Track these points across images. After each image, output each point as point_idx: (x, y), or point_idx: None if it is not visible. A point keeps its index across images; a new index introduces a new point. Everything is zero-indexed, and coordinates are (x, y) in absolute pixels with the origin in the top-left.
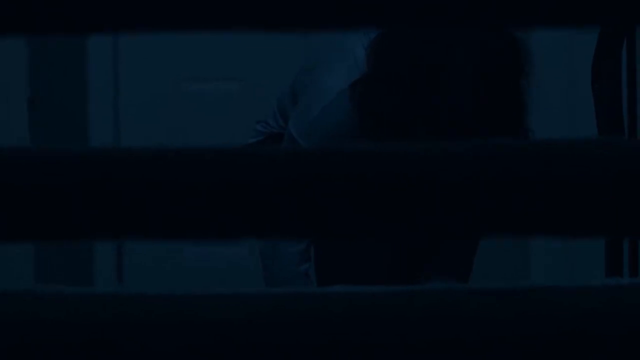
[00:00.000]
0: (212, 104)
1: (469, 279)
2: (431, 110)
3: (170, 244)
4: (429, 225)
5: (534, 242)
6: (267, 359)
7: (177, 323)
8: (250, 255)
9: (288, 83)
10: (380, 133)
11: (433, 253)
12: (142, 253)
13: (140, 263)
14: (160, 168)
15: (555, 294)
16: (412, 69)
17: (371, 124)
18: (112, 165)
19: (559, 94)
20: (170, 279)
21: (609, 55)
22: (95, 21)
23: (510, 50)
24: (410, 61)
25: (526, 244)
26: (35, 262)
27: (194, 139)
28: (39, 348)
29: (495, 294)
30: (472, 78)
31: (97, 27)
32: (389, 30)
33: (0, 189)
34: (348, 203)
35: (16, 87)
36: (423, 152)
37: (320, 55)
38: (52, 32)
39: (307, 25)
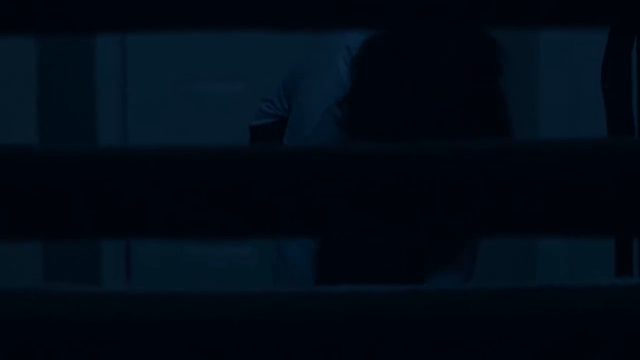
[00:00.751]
0: (217, 104)
1: (473, 270)
2: (414, 121)
3: (171, 242)
4: (430, 224)
5: (540, 243)
6: (271, 358)
7: (182, 321)
8: (255, 255)
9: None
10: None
11: (433, 249)
12: (151, 252)
13: (149, 262)
14: (159, 166)
15: (560, 293)
16: (392, 79)
17: (360, 140)
18: (114, 164)
19: (561, 94)
20: (177, 278)
21: (618, 55)
22: (100, 20)
23: (485, 50)
24: (390, 72)
25: (533, 244)
26: (44, 261)
27: (200, 138)
28: (45, 346)
29: (500, 293)
30: (451, 82)
31: (103, 26)
32: (369, 43)
33: (5, 187)
34: (348, 202)
35: (25, 87)
36: (424, 152)
37: (311, 63)
38: (58, 32)
39: (311, 25)
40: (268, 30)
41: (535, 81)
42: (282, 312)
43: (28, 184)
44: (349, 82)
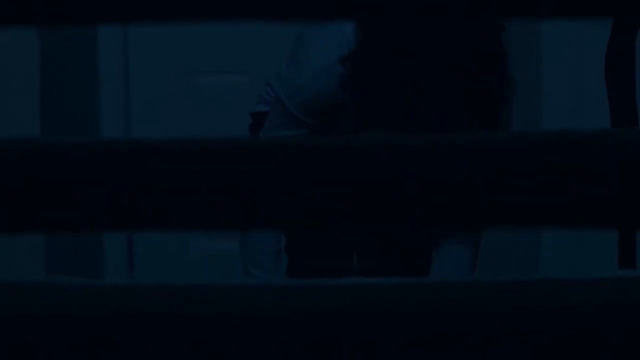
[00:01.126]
0: (221, 96)
1: (480, 239)
2: (416, 78)
3: (174, 236)
4: (430, 218)
5: (543, 235)
6: (275, 351)
7: (184, 314)
8: None
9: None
10: (370, 106)
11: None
12: (153, 246)
13: (151, 256)
14: (161, 159)
15: (562, 286)
16: (394, 39)
17: (361, 98)
18: (117, 156)
19: (564, 86)
20: (180, 272)
21: (622, 46)
22: (103, 12)
23: (484, 27)
24: (392, 32)
25: (537, 237)
26: (46, 254)
27: (203, 131)
28: (48, 339)
29: (501, 286)
30: (450, 46)
31: (105, 17)
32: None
33: (7, 179)
34: (348, 196)
35: (27, 80)
36: (425, 144)
37: (312, 30)
38: (60, 24)
39: (316, 16)
40: (272, 21)
41: (538, 73)
42: (285, 305)
43: (30, 177)
44: (354, 41)
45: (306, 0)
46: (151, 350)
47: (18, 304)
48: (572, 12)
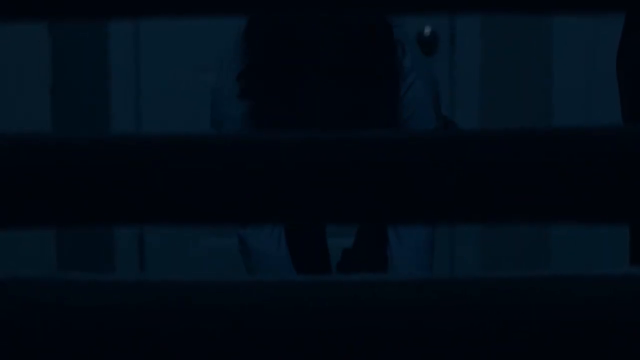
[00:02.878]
0: None
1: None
2: (302, 88)
3: (184, 234)
4: (435, 211)
5: (554, 231)
6: (283, 344)
7: (195, 309)
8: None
9: None
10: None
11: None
12: (164, 244)
13: (162, 254)
14: (172, 154)
15: (572, 282)
16: (276, 33)
17: (259, 108)
18: (127, 152)
19: (575, 81)
20: (190, 269)
21: (634, 42)
22: (114, 6)
23: (378, 31)
24: (274, 29)
25: (547, 233)
26: (57, 250)
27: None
28: (59, 333)
29: (510, 282)
30: (337, 57)
31: (117, 12)
32: (253, 20)
33: (18, 175)
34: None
35: (38, 76)
36: (429, 138)
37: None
38: (70, 18)
39: (327, 7)
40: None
41: (549, 67)
42: (293, 300)
43: (41, 172)
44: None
45: None
46: (163, 343)
47: (28, 298)
48: (583, 7)
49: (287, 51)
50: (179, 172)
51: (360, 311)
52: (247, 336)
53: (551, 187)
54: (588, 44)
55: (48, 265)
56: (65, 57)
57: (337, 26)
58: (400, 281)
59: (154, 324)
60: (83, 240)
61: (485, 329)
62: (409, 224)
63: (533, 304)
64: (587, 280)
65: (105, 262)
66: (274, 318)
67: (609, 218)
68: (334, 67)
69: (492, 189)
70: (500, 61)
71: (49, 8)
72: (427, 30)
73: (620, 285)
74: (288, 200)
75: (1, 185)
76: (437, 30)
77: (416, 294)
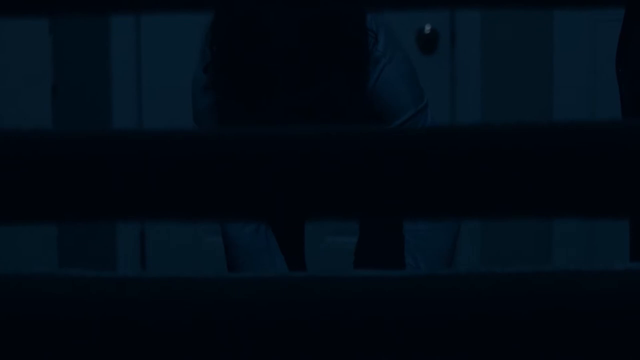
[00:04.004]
0: None
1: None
2: (265, 62)
3: (186, 230)
4: (441, 205)
5: (556, 228)
6: (285, 339)
7: (196, 304)
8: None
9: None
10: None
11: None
12: (165, 242)
13: (163, 252)
14: (172, 149)
15: (573, 277)
16: (236, 25)
17: (220, 101)
18: (128, 146)
19: (576, 75)
20: (192, 266)
21: (633, 38)
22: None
23: (331, 23)
24: (233, 21)
25: (549, 228)
26: (59, 246)
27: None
28: (59, 328)
29: (512, 278)
30: (290, 28)
31: (118, 6)
32: (217, 17)
33: (19, 170)
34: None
35: (40, 74)
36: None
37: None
38: (72, 12)
39: (328, 3)
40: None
41: (550, 64)
42: (290, 295)
43: (42, 168)
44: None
45: None
46: (164, 338)
47: (29, 294)
48: (584, 2)
49: (247, 43)
50: (179, 167)
51: (363, 304)
52: (249, 331)
53: (551, 181)
54: (589, 41)
55: (49, 261)
56: (67, 55)
57: (297, 18)
58: (401, 276)
59: (156, 319)
60: (84, 237)
61: (489, 323)
62: (412, 220)
63: (536, 299)
64: (591, 275)
65: (106, 259)
66: (276, 313)
67: (609, 212)
68: (294, 59)
69: (491, 184)
70: (501, 58)
71: (50, 3)
72: (428, 28)
73: (622, 279)
74: (283, 196)
75: (1, 180)
76: (438, 28)
77: (417, 288)
